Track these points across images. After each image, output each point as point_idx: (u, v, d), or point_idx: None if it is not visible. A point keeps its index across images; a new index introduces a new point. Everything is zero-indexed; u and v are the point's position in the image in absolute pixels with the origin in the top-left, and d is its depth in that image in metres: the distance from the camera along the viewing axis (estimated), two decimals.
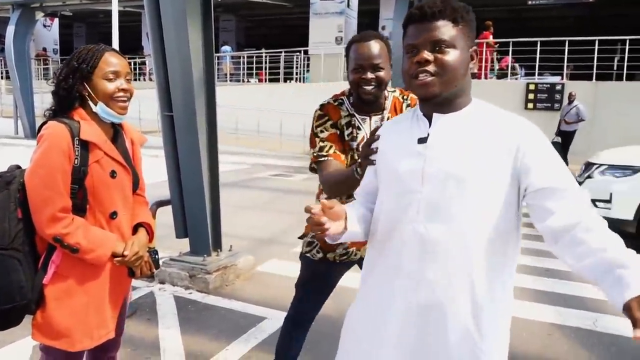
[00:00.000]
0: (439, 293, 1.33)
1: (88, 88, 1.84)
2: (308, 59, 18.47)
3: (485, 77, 14.24)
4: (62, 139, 1.77)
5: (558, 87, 13.35)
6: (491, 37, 14.05)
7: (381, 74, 2.05)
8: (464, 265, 1.32)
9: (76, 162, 1.80)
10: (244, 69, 19.42)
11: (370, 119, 2.18)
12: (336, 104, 2.20)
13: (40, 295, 1.82)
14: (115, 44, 10.38)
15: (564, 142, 11.83)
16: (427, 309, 1.35)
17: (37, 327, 1.85)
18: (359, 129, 2.15)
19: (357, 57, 2.06)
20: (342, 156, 2.13)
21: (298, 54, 18.14)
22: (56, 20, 25.15)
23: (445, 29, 1.31)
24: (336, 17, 18.47)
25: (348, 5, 18.34)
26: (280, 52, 18.03)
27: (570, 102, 12.00)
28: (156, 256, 2.08)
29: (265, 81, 19.15)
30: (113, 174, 1.88)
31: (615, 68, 14.02)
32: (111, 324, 1.96)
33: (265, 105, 15.92)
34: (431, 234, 1.34)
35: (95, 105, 1.84)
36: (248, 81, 19.77)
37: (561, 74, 13.99)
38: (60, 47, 26.68)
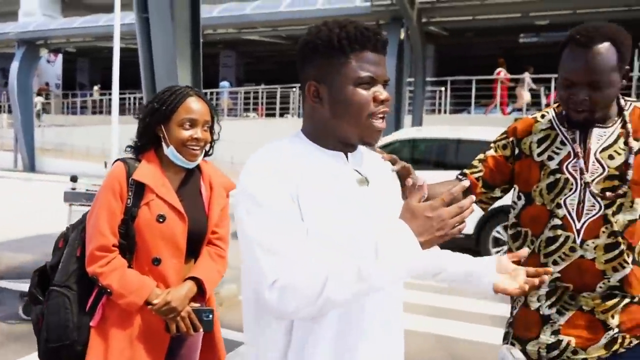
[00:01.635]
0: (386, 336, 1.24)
1: (164, 130, 1.84)
2: None
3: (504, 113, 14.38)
4: (115, 179, 1.80)
5: None
6: (502, 73, 14.25)
7: (598, 95, 1.51)
8: (398, 302, 1.27)
9: (128, 203, 1.79)
10: (241, 104, 19.85)
11: (587, 133, 1.60)
12: (532, 117, 1.73)
13: (88, 337, 1.78)
14: (116, 79, 10.75)
15: None
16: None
17: None
18: (562, 143, 1.62)
19: (568, 68, 1.53)
20: (481, 183, 1.73)
21: (294, 89, 18.60)
22: (60, 55, 25.77)
23: None
24: None
25: None
26: (277, 87, 18.50)
27: None
28: (208, 316, 1.87)
29: (263, 116, 19.56)
30: (160, 219, 1.79)
31: None
32: None
33: (261, 139, 16.11)
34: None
35: (168, 147, 1.84)
36: (247, 115, 20.19)
37: None
38: (62, 82, 27.23)
